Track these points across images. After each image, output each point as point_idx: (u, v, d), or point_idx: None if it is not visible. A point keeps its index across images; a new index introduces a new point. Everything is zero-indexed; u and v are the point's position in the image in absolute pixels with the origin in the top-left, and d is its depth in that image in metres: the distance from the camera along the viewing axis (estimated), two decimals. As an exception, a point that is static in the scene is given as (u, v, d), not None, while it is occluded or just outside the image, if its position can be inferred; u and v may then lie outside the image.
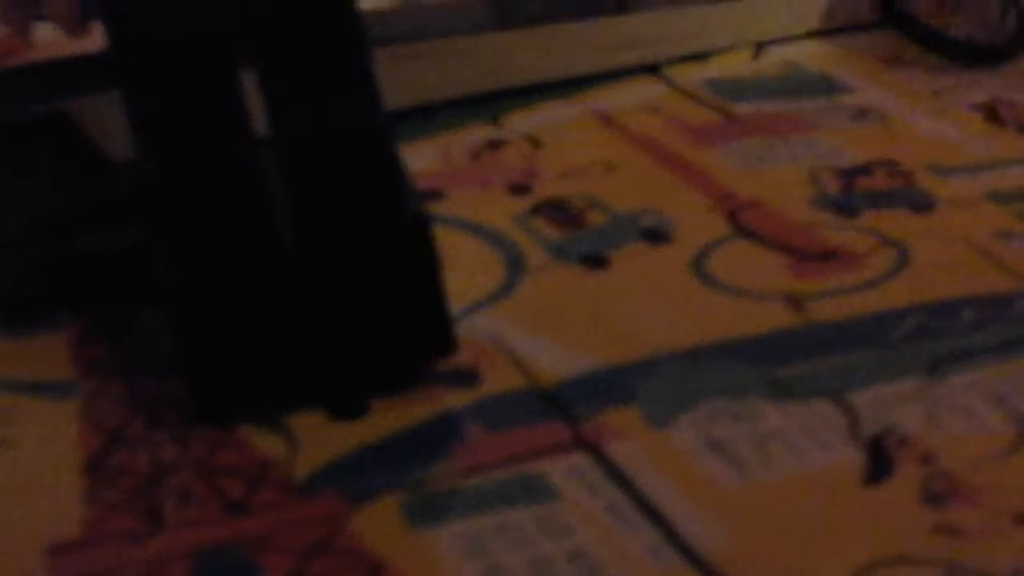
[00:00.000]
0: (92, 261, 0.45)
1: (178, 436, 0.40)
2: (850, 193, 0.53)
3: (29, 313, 0.45)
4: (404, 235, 0.40)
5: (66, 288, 0.45)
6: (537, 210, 0.52)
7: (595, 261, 0.49)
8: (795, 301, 0.46)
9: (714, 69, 0.65)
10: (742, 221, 0.51)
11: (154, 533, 0.36)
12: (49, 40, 0.56)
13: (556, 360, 0.43)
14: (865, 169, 0.55)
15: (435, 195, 0.53)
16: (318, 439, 0.39)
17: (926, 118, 0.59)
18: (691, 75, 0.64)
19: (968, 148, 0.55)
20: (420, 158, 0.56)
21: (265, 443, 0.39)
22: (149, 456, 0.39)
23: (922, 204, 0.52)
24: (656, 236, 0.50)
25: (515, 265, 0.49)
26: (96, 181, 0.47)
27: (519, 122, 0.59)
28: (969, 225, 0.50)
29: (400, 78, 0.58)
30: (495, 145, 0.57)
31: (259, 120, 0.38)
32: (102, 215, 0.45)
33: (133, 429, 0.40)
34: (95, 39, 0.53)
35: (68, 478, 0.38)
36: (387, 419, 0.40)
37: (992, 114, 0.59)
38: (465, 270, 0.48)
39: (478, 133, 0.58)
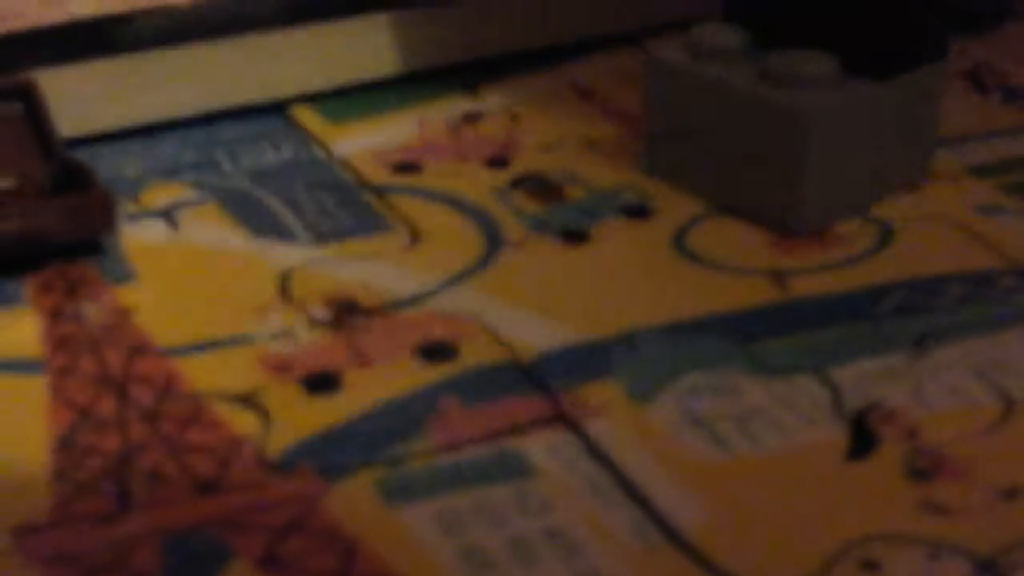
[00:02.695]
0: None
1: (148, 414, 0.39)
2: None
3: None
4: None
5: None
6: (516, 184, 0.51)
7: (574, 235, 0.48)
8: (778, 277, 0.45)
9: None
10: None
11: (123, 514, 0.35)
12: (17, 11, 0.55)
13: (535, 334, 0.42)
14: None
15: (411, 168, 0.52)
16: (292, 415, 0.39)
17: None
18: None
19: (951, 119, 0.54)
20: (397, 130, 0.55)
21: (237, 420, 0.38)
22: (119, 435, 0.38)
23: (905, 177, 0.51)
24: (636, 211, 0.49)
25: (493, 239, 0.48)
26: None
27: (497, 94, 0.58)
28: (952, 200, 0.49)
29: (376, 47, 0.57)
30: (473, 118, 0.56)
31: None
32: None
33: (103, 407, 0.39)
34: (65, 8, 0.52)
35: (36, 458, 0.37)
36: (362, 395, 0.39)
37: (977, 82, 0.58)
38: (442, 243, 0.47)
39: (456, 105, 0.57)
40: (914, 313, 0.43)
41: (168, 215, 0.49)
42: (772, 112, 0.46)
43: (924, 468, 0.36)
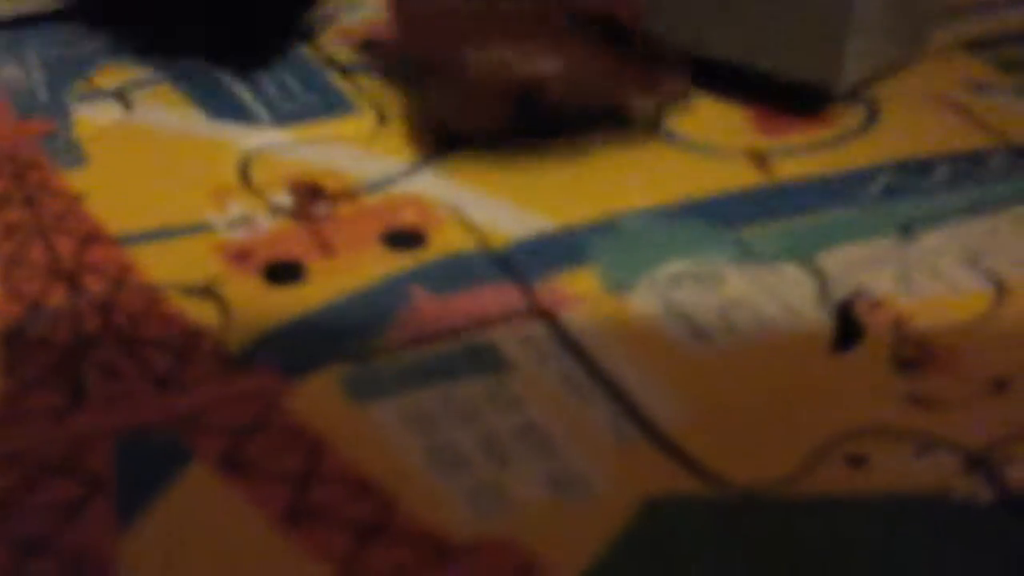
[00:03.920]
0: None
1: (102, 306, 0.37)
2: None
3: None
4: None
5: None
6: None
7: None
8: (759, 158, 0.43)
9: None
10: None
11: (76, 410, 0.33)
12: None
13: (507, 220, 0.40)
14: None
15: (379, 46, 0.50)
16: (252, 308, 0.37)
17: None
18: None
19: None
20: (364, 5, 0.53)
21: (196, 313, 0.37)
22: (71, 327, 0.36)
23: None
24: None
25: (463, 120, 0.46)
26: None
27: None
28: (943, 77, 0.47)
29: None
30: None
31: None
32: None
33: (53, 298, 0.37)
34: None
35: (-18, 352, 0.35)
36: (326, 286, 0.38)
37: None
38: (410, 125, 0.45)
39: None
40: (902, 196, 0.41)
41: (121, 95, 0.47)
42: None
43: (911, 359, 0.35)
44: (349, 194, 0.42)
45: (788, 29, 0.44)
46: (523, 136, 0.42)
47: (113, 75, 0.48)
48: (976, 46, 0.50)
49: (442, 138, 0.43)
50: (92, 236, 0.40)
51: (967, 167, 0.43)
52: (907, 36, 0.47)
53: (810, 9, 0.44)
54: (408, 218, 0.41)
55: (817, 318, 0.36)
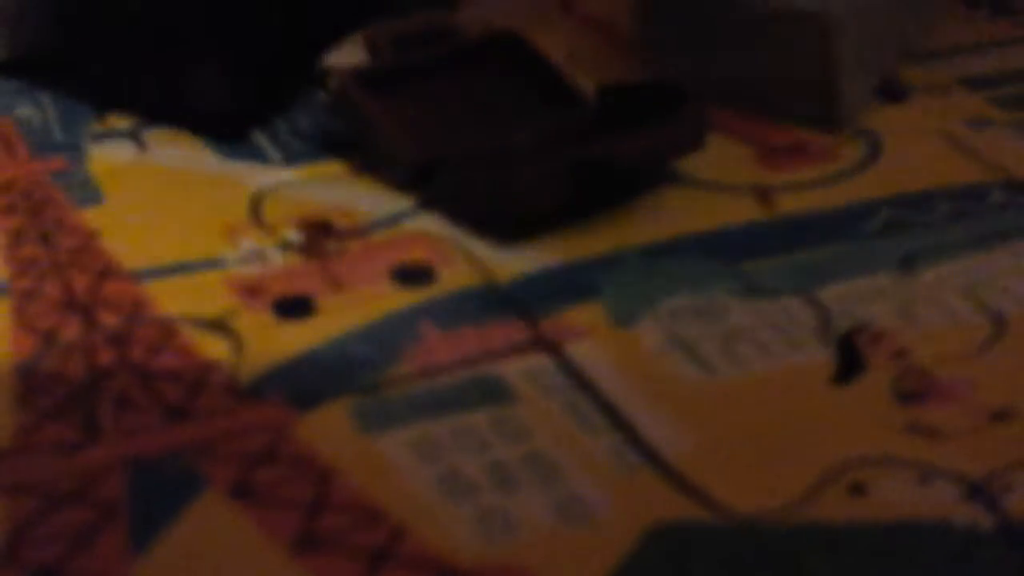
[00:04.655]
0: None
1: (116, 340, 0.38)
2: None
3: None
4: None
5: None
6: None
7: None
8: (763, 194, 0.44)
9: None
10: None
11: (90, 442, 0.34)
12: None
13: (513, 256, 0.41)
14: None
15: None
16: (264, 341, 0.38)
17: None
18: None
19: (941, 32, 0.53)
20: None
21: (208, 346, 0.37)
22: (85, 361, 0.37)
23: (894, 92, 0.50)
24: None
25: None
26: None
27: (474, 5, 0.56)
28: (942, 113, 0.48)
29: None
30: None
31: None
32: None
33: (68, 332, 0.38)
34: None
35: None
36: (335, 320, 0.38)
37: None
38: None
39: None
40: (903, 230, 0.42)
41: (135, 135, 0.48)
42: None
43: (913, 390, 0.35)
44: (358, 231, 0.42)
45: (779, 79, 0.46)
46: (585, 205, 0.43)
47: (127, 115, 0.49)
48: (976, 83, 0.50)
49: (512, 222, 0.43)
50: (107, 271, 0.41)
51: (967, 202, 0.43)
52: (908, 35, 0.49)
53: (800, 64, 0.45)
54: (416, 254, 0.41)
55: (819, 350, 0.37)
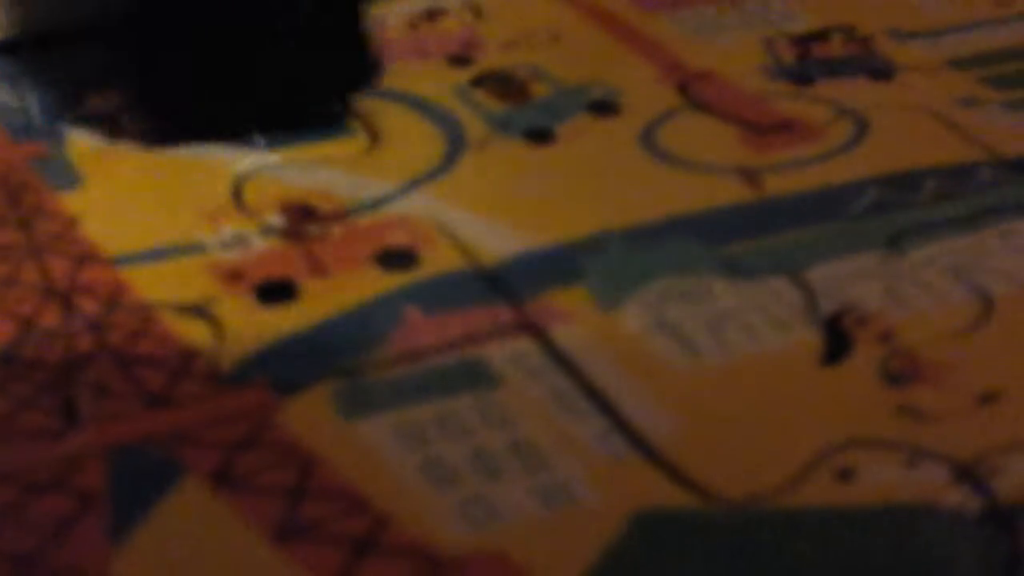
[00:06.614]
0: None
1: (95, 326, 0.37)
2: (805, 61, 0.51)
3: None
4: None
5: None
6: (478, 82, 0.50)
7: (539, 135, 0.46)
8: (749, 175, 0.44)
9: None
10: (693, 92, 0.49)
11: (69, 429, 0.34)
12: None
13: (498, 239, 0.41)
14: (821, 35, 0.53)
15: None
16: (246, 326, 0.37)
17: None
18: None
19: (928, 10, 0.52)
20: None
21: (188, 331, 0.37)
22: (64, 347, 0.36)
23: (881, 71, 0.50)
24: (603, 108, 0.48)
25: (455, 140, 0.46)
26: None
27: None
28: (930, 92, 0.48)
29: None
30: (433, 15, 0.54)
31: None
32: None
33: (47, 318, 0.37)
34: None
35: (-23, 372, 0.36)
36: (318, 304, 0.38)
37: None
38: (402, 145, 0.46)
39: (415, 1, 0.55)
40: (890, 210, 0.42)
41: (115, 118, 0.47)
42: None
43: (900, 372, 0.35)
44: (341, 215, 0.42)
45: None
46: None
47: (107, 99, 0.48)
48: (963, 62, 0.50)
49: None
50: (86, 257, 0.40)
51: (955, 181, 0.43)
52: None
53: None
54: (399, 238, 0.41)
55: (806, 332, 0.37)
